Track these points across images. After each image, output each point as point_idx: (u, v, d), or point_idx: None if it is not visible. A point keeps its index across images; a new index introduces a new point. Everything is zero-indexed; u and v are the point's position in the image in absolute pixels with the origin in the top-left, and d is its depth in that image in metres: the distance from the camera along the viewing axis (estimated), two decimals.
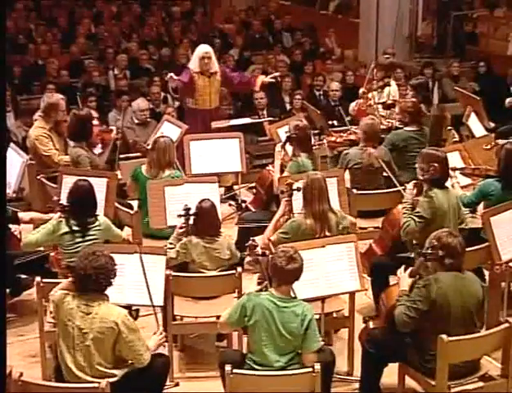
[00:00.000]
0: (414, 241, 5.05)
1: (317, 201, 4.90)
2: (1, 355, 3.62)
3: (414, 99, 6.94)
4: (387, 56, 7.91)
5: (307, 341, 3.93)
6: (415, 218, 4.92)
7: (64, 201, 5.17)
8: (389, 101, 7.70)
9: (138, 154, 7.04)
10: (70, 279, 4.02)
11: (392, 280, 5.15)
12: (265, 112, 8.71)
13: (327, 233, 4.88)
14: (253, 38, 12.75)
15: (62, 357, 3.89)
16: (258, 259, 4.21)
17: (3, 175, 3.71)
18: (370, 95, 7.88)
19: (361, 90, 7.93)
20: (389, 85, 7.67)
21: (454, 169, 5.67)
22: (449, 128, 7.91)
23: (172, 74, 7.53)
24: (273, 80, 8.00)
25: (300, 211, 5.03)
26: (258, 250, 4.33)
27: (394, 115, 7.20)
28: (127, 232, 5.84)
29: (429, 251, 4.08)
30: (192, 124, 7.37)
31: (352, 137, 6.72)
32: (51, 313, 4.31)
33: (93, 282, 3.84)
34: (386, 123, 7.35)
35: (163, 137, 6.03)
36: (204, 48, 7.60)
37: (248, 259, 5.02)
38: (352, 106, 8.01)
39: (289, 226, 4.95)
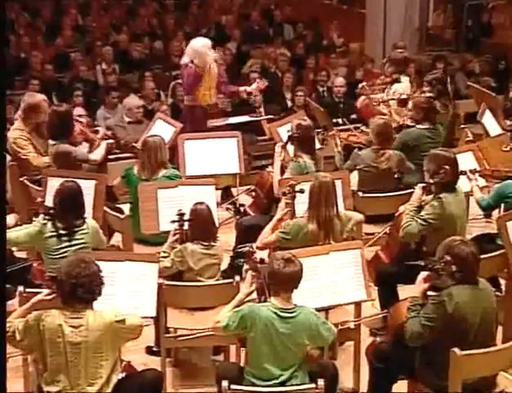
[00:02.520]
0: (424, 249, 5.07)
1: (324, 207, 4.91)
2: (1, 356, 3.63)
3: (429, 94, 6.96)
4: (400, 50, 7.91)
5: (322, 338, 4.01)
6: (418, 220, 4.95)
7: (49, 203, 5.18)
8: (404, 97, 7.64)
9: (129, 154, 7.06)
10: (29, 304, 4.02)
11: (400, 289, 5.18)
12: (262, 110, 8.73)
13: (332, 242, 4.90)
14: (252, 30, 12.80)
15: (52, 379, 3.86)
16: (257, 267, 4.22)
17: (3, 175, 3.74)
18: (377, 93, 7.86)
19: (360, 85, 7.90)
20: (398, 81, 7.65)
21: (474, 172, 5.69)
22: (462, 126, 7.95)
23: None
24: (256, 88, 7.89)
25: (303, 215, 5.05)
26: (257, 257, 4.33)
27: (406, 112, 7.19)
28: (116, 238, 5.85)
29: (440, 266, 4.07)
30: (192, 123, 7.40)
31: (363, 140, 6.72)
32: (17, 341, 3.94)
33: (86, 291, 3.83)
34: (398, 119, 7.32)
35: (152, 136, 6.05)
36: (204, 41, 7.59)
37: (246, 267, 5.03)
38: (360, 100, 7.97)
39: (291, 226, 4.98)
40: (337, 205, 5.01)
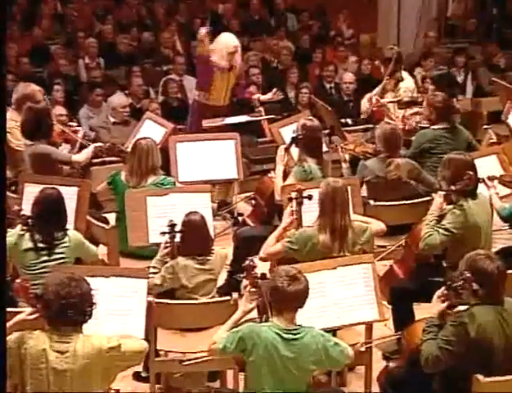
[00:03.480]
0: (444, 264, 5.10)
1: (340, 214, 4.93)
2: (1, 355, 3.65)
3: (433, 90, 7.02)
4: (390, 46, 8.00)
5: (332, 362, 4.01)
6: (440, 230, 4.98)
7: (27, 212, 5.19)
8: (406, 99, 7.69)
9: (115, 158, 7.09)
10: (11, 323, 3.93)
11: (416, 308, 5.20)
12: (262, 109, 8.77)
13: (347, 254, 4.93)
14: (252, 20, 12.85)
15: None
16: (258, 283, 4.24)
17: (3, 175, 3.77)
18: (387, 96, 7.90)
19: (374, 98, 7.82)
20: (401, 79, 7.71)
21: (492, 179, 5.71)
22: (485, 126, 7.97)
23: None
24: (270, 98, 8.06)
25: (311, 225, 5.07)
26: (257, 272, 4.34)
27: (412, 114, 7.20)
28: (102, 251, 5.88)
29: (459, 283, 4.08)
30: (199, 120, 7.51)
31: (370, 149, 6.76)
32: None
33: (77, 312, 3.77)
34: (401, 124, 7.33)
35: (143, 139, 6.09)
36: (233, 40, 7.71)
37: (245, 282, 5.06)
38: (364, 102, 7.98)
39: (298, 236, 5.00)
40: (349, 214, 5.04)
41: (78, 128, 7.14)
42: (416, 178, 6.24)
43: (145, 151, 5.92)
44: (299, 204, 5.21)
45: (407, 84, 7.72)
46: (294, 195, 5.22)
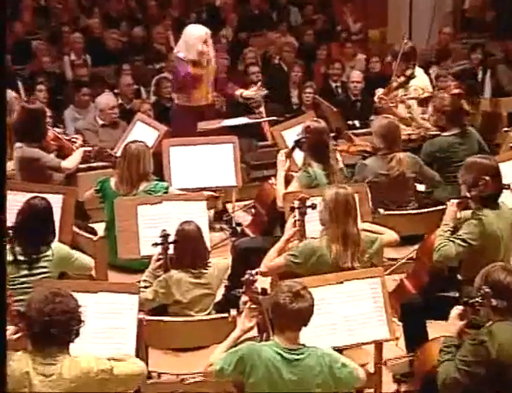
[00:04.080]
0: (459, 277, 5.12)
1: (352, 221, 4.97)
2: (1, 356, 3.65)
3: (457, 90, 7.02)
4: (405, 40, 7.96)
5: (340, 384, 3.99)
6: (455, 240, 5.00)
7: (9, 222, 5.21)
8: (425, 95, 7.64)
9: (103, 163, 7.11)
10: None
11: (430, 326, 5.22)
12: (262, 110, 8.80)
13: (355, 265, 4.95)
14: (252, 14, 12.89)
15: None
16: (258, 299, 4.26)
17: (3, 175, 3.80)
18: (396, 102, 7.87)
19: (377, 97, 7.74)
20: (413, 77, 7.68)
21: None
22: (505, 129, 7.99)
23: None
24: (254, 94, 7.97)
25: (317, 236, 5.09)
26: (258, 286, 4.36)
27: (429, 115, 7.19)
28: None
29: (478, 299, 4.09)
30: (183, 126, 7.48)
31: (368, 147, 6.77)
32: None
33: (62, 331, 3.75)
34: (422, 122, 7.32)
35: (134, 142, 6.11)
36: (201, 29, 7.68)
37: (244, 298, 5.07)
38: (379, 94, 7.94)
39: (302, 248, 5.02)
40: (357, 222, 5.07)
41: (75, 136, 7.12)
42: (419, 173, 6.32)
43: (136, 156, 5.95)
44: (302, 214, 5.23)
45: (418, 82, 7.65)
46: (296, 204, 5.24)
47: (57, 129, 7.15)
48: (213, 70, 7.68)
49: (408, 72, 7.68)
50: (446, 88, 7.67)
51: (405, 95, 7.65)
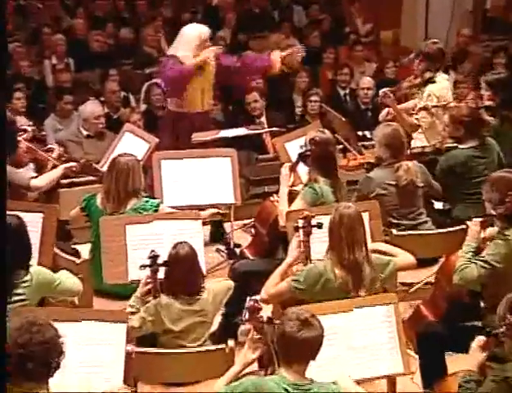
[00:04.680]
0: (482, 304, 5.11)
1: (347, 247, 4.97)
2: (1, 357, 3.65)
3: (489, 103, 7.02)
4: (435, 40, 7.92)
5: None
6: (478, 262, 5.01)
7: None
8: (443, 103, 7.59)
9: (87, 178, 7.12)
10: None
11: (449, 359, 5.22)
12: (263, 119, 8.81)
13: (361, 293, 4.96)
14: (252, 13, 12.94)
15: None
16: (263, 328, 4.25)
17: (3, 176, 3.82)
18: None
19: (382, 91, 7.80)
20: (433, 82, 7.64)
21: None
22: None
23: None
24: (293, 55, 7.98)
25: (322, 258, 5.10)
26: (263, 315, 4.34)
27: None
28: None
29: (502, 329, 4.09)
30: (174, 136, 7.53)
31: (371, 159, 6.79)
32: None
33: (39, 364, 3.73)
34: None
35: (124, 155, 6.12)
36: (200, 28, 7.72)
37: (243, 328, 5.08)
38: (383, 114, 7.90)
39: (307, 272, 5.02)
40: (366, 245, 5.08)
41: (52, 146, 7.13)
42: (427, 184, 6.39)
43: (126, 171, 5.95)
44: (307, 234, 5.23)
45: (435, 89, 7.54)
46: (301, 223, 5.25)
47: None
48: (210, 76, 7.70)
49: (427, 75, 7.59)
50: (465, 96, 7.68)
51: (412, 94, 7.62)
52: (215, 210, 6.64)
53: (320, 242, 5.26)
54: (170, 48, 7.87)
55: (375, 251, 5.27)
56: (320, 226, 5.20)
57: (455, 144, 6.80)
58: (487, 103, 7.23)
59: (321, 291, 4.95)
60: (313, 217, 5.26)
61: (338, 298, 4.84)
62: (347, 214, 5.01)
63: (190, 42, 7.59)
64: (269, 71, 8.06)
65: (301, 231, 5.23)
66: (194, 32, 7.68)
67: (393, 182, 6.26)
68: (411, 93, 7.84)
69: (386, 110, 7.77)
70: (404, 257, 5.30)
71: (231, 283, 5.34)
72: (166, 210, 6.20)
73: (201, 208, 6.52)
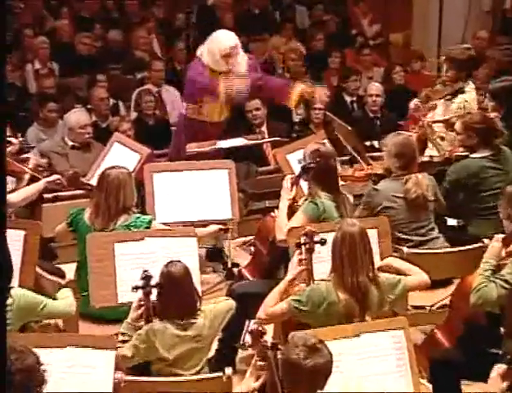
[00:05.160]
0: (501, 329, 5.12)
1: (349, 268, 4.98)
2: (1, 356, 3.66)
3: (494, 114, 7.03)
4: (466, 45, 7.89)
5: None
6: (497, 281, 5.02)
7: None
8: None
9: (73, 192, 7.12)
10: None
11: (465, 388, 5.21)
12: (265, 129, 8.83)
13: (367, 318, 4.96)
14: (251, 14, 12.98)
15: None
16: (267, 354, 4.25)
17: (3, 176, 3.84)
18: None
19: (413, 103, 7.83)
20: (463, 91, 7.61)
21: None
22: None
23: None
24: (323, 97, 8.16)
25: (326, 278, 5.11)
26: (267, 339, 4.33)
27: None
28: None
29: None
30: (185, 142, 7.59)
31: (379, 170, 6.80)
32: None
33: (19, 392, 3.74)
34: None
35: (115, 168, 6.13)
36: (229, 39, 7.82)
37: (242, 354, 5.09)
38: (413, 105, 7.90)
39: (309, 293, 5.02)
40: (372, 266, 5.08)
41: (27, 155, 7.14)
42: (436, 196, 6.41)
43: (117, 186, 5.95)
44: (310, 251, 5.24)
45: (464, 99, 7.55)
46: (302, 239, 5.26)
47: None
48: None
49: (457, 85, 7.61)
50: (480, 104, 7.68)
51: (444, 114, 7.56)
52: (217, 227, 6.63)
53: (323, 261, 5.27)
54: (200, 48, 7.90)
55: (385, 268, 5.28)
56: (323, 242, 5.21)
57: (466, 153, 6.81)
58: (492, 115, 7.18)
59: (325, 314, 4.95)
60: (316, 232, 5.26)
61: (341, 323, 4.84)
62: (349, 233, 5.02)
63: (216, 53, 7.70)
64: (282, 101, 8.13)
65: (303, 248, 5.24)
66: (220, 40, 7.76)
67: (402, 195, 6.28)
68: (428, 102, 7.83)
69: (414, 101, 7.76)
70: (416, 275, 5.31)
71: (232, 303, 5.31)
72: (158, 227, 6.21)
73: (200, 224, 6.54)
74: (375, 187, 6.44)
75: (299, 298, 5.01)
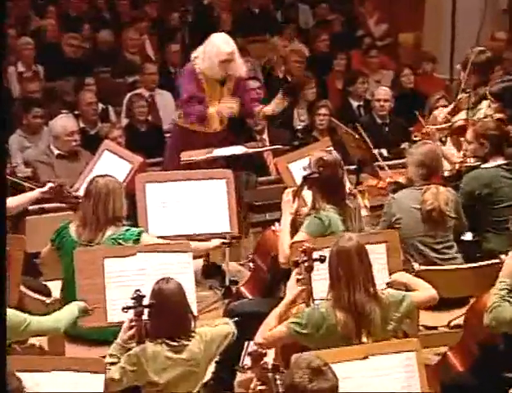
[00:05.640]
0: None
1: (345, 286, 4.98)
2: (1, 356, 3.67)
3: (499, 115, 7.05)
4: (482, 48, 7.89)
5: None
6: None
7: None
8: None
9: (59, 205, 7.12)
10: None
11: None
12: (266, 136, 8.83)
13: (364, 340, 4.95)
14: (250, 13, 13.01)
15: None
16: (268, 378, 4.25)
17: (3, 177, 3.86)
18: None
19: (435, 96, 7.77)
20: (486, 97, 7.58)
21: None
22: None
23: None
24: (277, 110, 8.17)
25: (326, 297, 5.11)
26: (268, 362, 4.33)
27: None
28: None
29: None
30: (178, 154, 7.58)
31: (401, 179, 6.80)
32: None
33: None
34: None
35: (104, 177, 6.13)
36: (225, 44, 7.86)
37: (240, 377, 5.08)
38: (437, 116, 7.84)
39: (308, 315, 5.02)
40: (372, 283, 5.09)
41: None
42: (457, 212, 6.40)
43: (105, 194, 5.95)
44: (308, 269, 5.24)
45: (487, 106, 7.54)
46: (300, 258, 5.25)
47: None
48: (229, 91, 7.86)
49: (481, 91, 7.60)
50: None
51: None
52: (219, 242, 6.62)
53: (323, 280, 5.24)
54: (196, 50, 7.95)
55: (395, 284, 5.29)
56: (323, 260, 5.20)
57: (478, 163, 6.81)
58: (497, 116, 7.19)
59: (326, 336, 4.95)
60: (314, 249, 5.27)
61: (340, 344, 4.84)
62: (345, 250, 5.02)
63: (213, 60, 7.75)
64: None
65: (301, 266, 5.25)
66: (217, 44, 7.81)
67: (417, 206, 6.29)
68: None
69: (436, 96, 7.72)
70: (424, 291, 5.32)
71: (231, 328, 5.28)
72: (149, 239, 6.21)
73: (196, 238, 6.55)
74: (393, 195, 6.45)
75: (299, 320, 5.01)
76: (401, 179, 6.81)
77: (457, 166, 7.13)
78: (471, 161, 6.91)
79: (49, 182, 6.80)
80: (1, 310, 3.77)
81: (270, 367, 4.26)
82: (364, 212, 6.68)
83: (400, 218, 6.31)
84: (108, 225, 5.96)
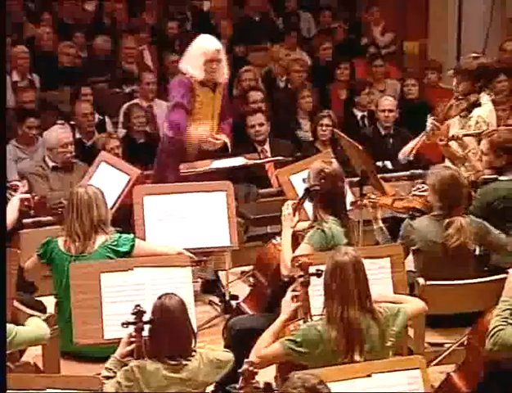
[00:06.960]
0: None
1: (339, 303, 4.97)
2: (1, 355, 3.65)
3: None
4: (474, 54, 7.91)
5: None
6: None
7: None
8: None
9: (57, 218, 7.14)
10: None
11: None
12: (267, 147, 8.84)
13: (356, 358, 4.93)
14: (251, 21, 13.03)
15: None
16: None
17: (3, 176, 3.87)
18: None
19: (429, 121, 7.74)
20: (479, 104, 7.61)
21: None
22: None
23: None
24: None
25: (321, 313, 5.10)
26: (259, 380, 4.35)
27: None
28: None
29: None
30: (174, 169, 7.57)
31: (418, 204, 6.76)
32: None
33: None
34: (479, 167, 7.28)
35: (83, 187, 6.13)
36: (211, 42, 7.84)
37: None
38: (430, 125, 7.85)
39: (304, 332, 5.00)
40: (369, 297, 5.08)
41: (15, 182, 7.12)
42: (486, 243, 6.32)
43: (87, 201, 5.97)
44: (305, 284, 5.24)
45: (482, 113, 7.47)
46: (296, 273, 5.25)
47: None
48: (220, 96, 7.84)
49: (472, 98, 7.56)
50: (505, 120, 7.68)
51: (462, 128, 7.54)
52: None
53: (321, 296, 5.20)
54: (183, 59, 7.96)
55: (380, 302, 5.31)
56: (319, 274, 5.20)
57: (494, 176, 6.80)
58: (510, 121, 7.21)
59: (324, 355, 4.94)
60: (311, 264, 5.27)
61: (334, 362, 4.84)
62: (340, 264, 5.01)
63: (197, 59, 7.73)
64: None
65: (298, 281, 5.24)
66: (202, 45, 7.81)
67: (440, 241, 6.19)
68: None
69: (431, 120, 7.74)
70: (412, 303, 5.33)
71: (232, 357, 5.25)
72: (144, 245, 6.21)
73: (195, 252, 6.55)
74: (411, 222, 6.33)
75: (294, 338, 5.00)
76: (418, 205, 6.72)
77: (473, 177, 7.10)
78: (487, 172, 6.87)
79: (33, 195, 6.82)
80: (1, 306, 3.78)
81: (262, 386, 4.27)
82: (375, 225, 6.59)
83: (420, 249, 6.23)
84: (96, 232, 5.98)
